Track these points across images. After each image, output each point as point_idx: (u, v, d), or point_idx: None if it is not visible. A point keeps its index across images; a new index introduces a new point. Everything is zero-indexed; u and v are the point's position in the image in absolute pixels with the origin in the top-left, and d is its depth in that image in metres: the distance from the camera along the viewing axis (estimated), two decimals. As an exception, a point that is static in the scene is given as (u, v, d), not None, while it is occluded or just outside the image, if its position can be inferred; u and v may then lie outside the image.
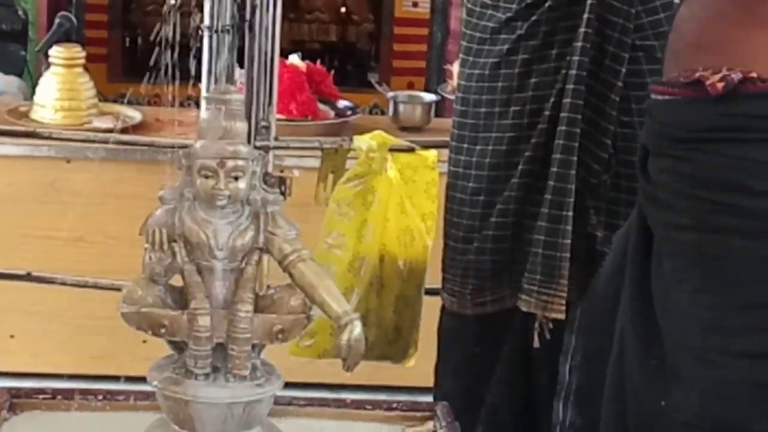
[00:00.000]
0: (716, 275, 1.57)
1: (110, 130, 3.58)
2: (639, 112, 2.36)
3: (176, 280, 1.98)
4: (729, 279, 1.55)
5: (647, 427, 1.64)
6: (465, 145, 2.57)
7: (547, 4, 2.45)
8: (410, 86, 5.47)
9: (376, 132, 2.74)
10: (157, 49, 2.34)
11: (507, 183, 2.51)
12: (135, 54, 6.31)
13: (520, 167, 2.50)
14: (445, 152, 3.34)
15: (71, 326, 3.76)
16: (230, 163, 1.91)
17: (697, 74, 1.57)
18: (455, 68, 4.24)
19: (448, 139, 2.83)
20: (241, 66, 2.80)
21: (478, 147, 2.54)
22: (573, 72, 2.43)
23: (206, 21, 2.60)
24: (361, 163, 2.69)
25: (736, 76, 1.54)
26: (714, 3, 1.62)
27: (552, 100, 2.46)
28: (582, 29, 2.43)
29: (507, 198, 2.51)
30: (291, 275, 1.94)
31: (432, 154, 2.78)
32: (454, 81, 4.19)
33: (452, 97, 4.17)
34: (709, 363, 1.49)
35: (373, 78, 5.52)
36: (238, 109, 1.95)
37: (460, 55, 2.59)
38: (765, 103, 1.54)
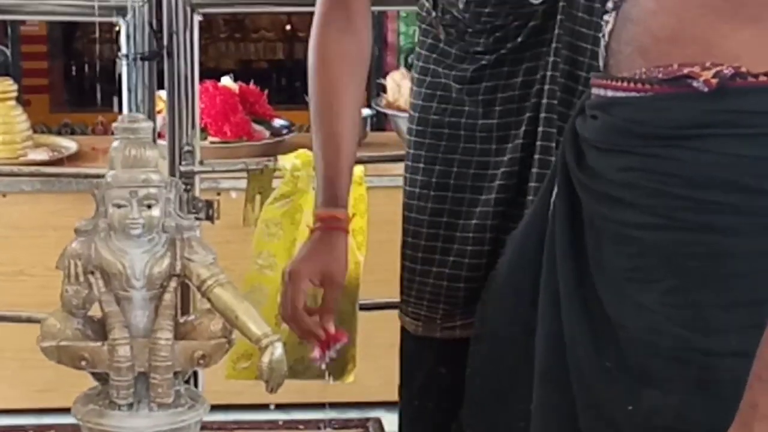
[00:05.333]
0: (699, 274, 1.53)
1: (45, 163, 3.58)
2: None
3: (96, 311, 1.97)
4: (714, 278, 1.51)
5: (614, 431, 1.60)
6: (421, 165, 2.51)
7: (518, 40, 2.40)
8: (354, 101, 5.44)
9: (301, 150, 2.72)
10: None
11: (475, 208, 2.46)
12: (81, 83, 6.29)
13: (494, 195, 2.44)
14: (380, 166, 3.36)
15: (16, 361, 3.74)
16: (142, 192, 1.91)
17: (686, 70, 1.53)
18: (389, 82, 4.25)
19: (381, 153, 2.81)
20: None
21: (437, 167, 2.49)
22: (544, 101, 2.38)
23: (123, 49, 2.60)
24: (287, 182, 2.67)
25: (728, 71, 1.51)
26: None
27: (523, 128, 2.41)
28: (551, 58, 2.38)
29: (482, 226, 2.44)
30: (209, 300, 1.94)
31: (358, 169, 2.76)
32: (390, 95, 4.19)
33: (388, 111, 4.17)
34: (689, 364, 1.46)
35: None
36: (147, 137, 1.94)
37: (414, 75, 2.53)
38: (757, 98, 1.50)
